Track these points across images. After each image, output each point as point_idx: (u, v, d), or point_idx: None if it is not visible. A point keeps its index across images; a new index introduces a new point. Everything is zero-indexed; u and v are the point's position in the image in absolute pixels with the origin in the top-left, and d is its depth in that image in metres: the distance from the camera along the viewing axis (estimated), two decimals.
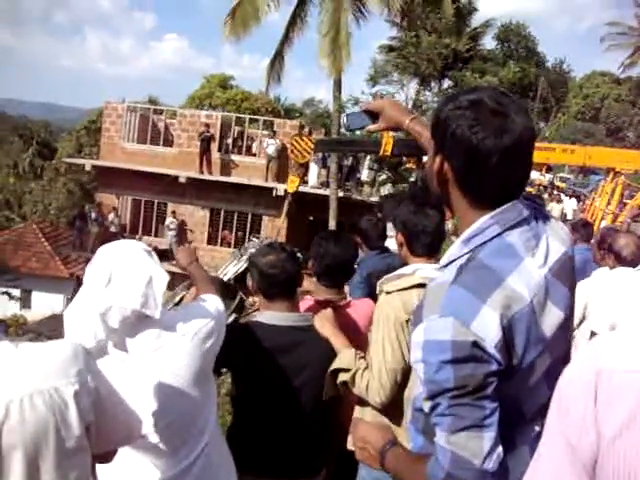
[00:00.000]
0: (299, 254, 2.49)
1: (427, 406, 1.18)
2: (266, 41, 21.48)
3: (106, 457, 1.31)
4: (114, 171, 20.67)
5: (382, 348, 2.10)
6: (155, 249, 2.33)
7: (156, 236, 21.63)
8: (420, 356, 1.15)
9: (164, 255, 2.55)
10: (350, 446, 2.23)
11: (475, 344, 1.10)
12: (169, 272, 1.80)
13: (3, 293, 19.05)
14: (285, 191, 16.66)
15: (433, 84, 25.72)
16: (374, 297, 3.42)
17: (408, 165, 18.27)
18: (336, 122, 18.66)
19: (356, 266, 4.15)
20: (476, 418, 1.11)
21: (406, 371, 2.10)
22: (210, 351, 1.82)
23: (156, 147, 21.51)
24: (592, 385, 0.83)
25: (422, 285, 2.13)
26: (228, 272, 3.79)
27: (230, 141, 21.38)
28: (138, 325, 1.68)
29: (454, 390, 1.11)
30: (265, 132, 21.02)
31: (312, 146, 9.08)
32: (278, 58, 19.91)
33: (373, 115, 1.77)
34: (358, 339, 2.40)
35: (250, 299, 3.40)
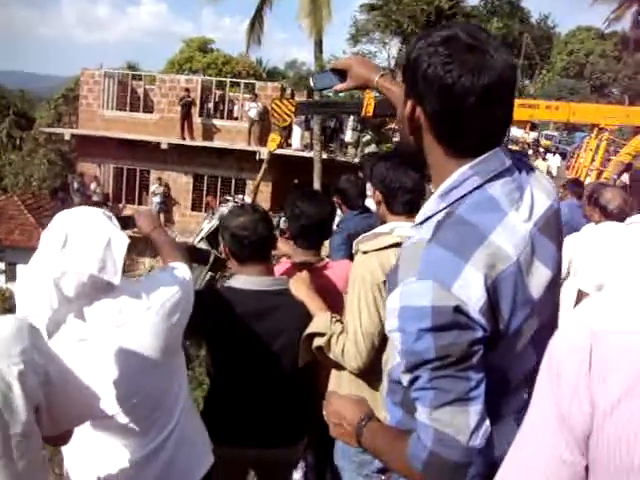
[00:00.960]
0: (282, 219, 2.41)
1: (406, 379, 1.08)
2: (246, 3, 20.99)
3: (62, 438, 1.21)
4: (94, 139, 20.31)
5: (358, 311, 2.01)
6: (116, 216, 2.20)
7: (140, 204, 21.40)
8: (397, 324, 1.04)
9: (126, 222, 2.48)
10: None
11: (457, 309, 0.99)
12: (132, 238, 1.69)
13: None
14: (266, 155, 16.54)
15: None
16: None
17: (391, 125, 18.10)
18: None
19: (336, 227, 4.09)
20: (461, 391, 1.01)
21: (383, 334, 2.02)
22: (177, 325, 1.70)
23: (136, 114, 21.11)
24: (586, 349, 0.75)
25: (400, 244, 2.04)
26: (202, 231, 3.75)
27: (211, 105, 21.07)
28: (96, 293, 1.55)
29: (435, 361, 1.01)
30: (247, 95, 20.69)
31: (293, 109, 8.95)
32: (258, 19, 19.58)
33: (341, 74, 1.66)
34: (336, 301, 2.32)
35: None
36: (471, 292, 1.00)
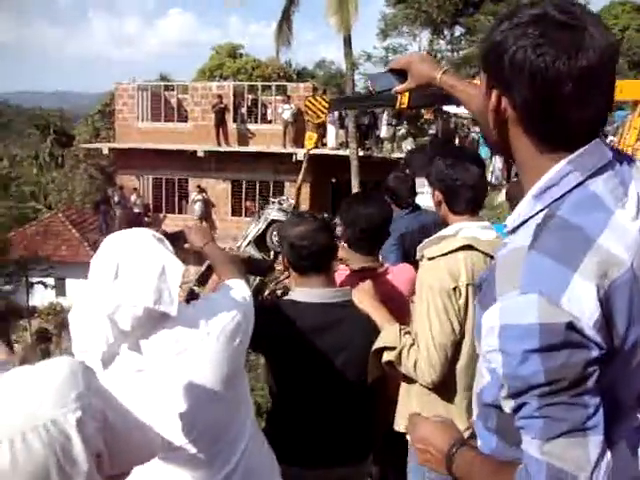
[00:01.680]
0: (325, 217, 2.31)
1: (509, 406, 0.95)
2: (272, 6, 21.01)
3: (119, 478, 1.13)
4: (131, 152, 20.60)
5: (428, 322, 1.89)
6: (165, 234, 2.13)
7: (180, 213, 21.61)
8: (497, 344, 0.92)
9: (176, 237, 2.45)
10: (398, 428, 2.06)
11: (570, 325, 0.87)
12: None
13: (38, 282, 19.33)
14: (305, 154, 16.49)
15: (446, 32, 24.97)
16: (408, 259, 3.26)
17: (426, 117, 17.84)
18: (349, 81, 18.30)
19: None
20: (577, 420, 0.88)
21: (456, 344, 1.91)
22: (239, 349, 1.59)
23: (171, 123, 21.31)
24: None
25: (468, 247, 1.92)
26: (249, 235, 3.73)
27: (244, 110, 21.09)
28: (153, 325, 1.45)
29: (545, 386, 0.88)
30: (279, 98, 20.70)
31: (326, 105, 8.87)
32: (285, 20, 19.53)
33: (400, 73, 1.56)
34: (401, 309, 2.21)
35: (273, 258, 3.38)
36: (583, 305, 0.88)
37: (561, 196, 0.97)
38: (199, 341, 1.49)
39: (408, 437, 1.28)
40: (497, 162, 16.48)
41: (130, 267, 1.41)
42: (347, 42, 17.89)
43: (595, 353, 0.89)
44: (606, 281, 0.90)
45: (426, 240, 2.08)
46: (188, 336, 1.48)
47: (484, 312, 0.96)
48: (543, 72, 0.93)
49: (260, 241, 3.51)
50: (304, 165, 12.31)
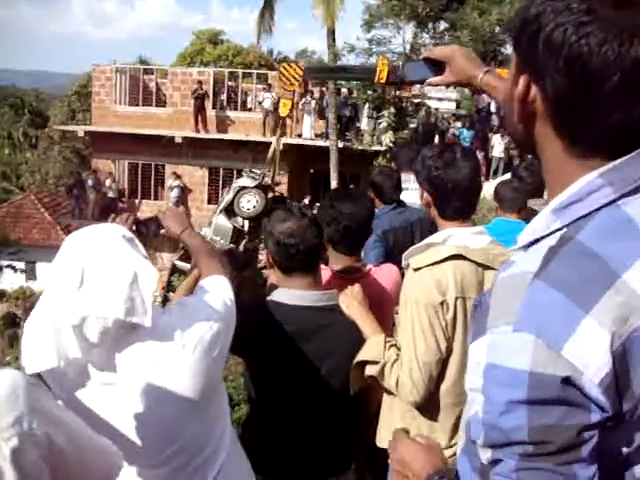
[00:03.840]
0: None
1: (484, 456, 0.79)
2: None
3: None
4: (108, 136, 20.23)
5: (412, 338, 1.74)
6: (137, 222, 1.96)
7: (155, 199, 21.33)
8: (480, 385, 0.76)
9: (150, 224, 2.33)
10: (380, 443, 1.93)
11: (567, 381, 0.70)
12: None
13: (7, 266, 18.92)
14: (284, 145, 16.32)
15: (430, 26, 24.89)
16: (390, 257, 3.15)
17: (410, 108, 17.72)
18: None
19: None
20: None
21: (443, 361, 1.77)
22: (218, 359, 1.45)
23: (149, 108, 20.99)
24: None
25: (458, 256, 1.76)
26: (220, 205, 3.69)
27: (224, 97, 20.89)
28: (124, 336, 1.30)
29: (528, 445, 0.72)
30: (260, 86, 20.49)
31: (300, 73, 8.68)
32: (267, 8, 19.33)
33: (437, 65, 1.43)
34: (385, 313, 2.07)
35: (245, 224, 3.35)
36: (590, 356, 0.70)
37: (585, 215, 0.78)
38: (174, 353, 1.35)
39: (389, 453, 1.16)
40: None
41: (97, 273, 1.26)
42: (331, 33, 17.76)
43: (596, 417, 0.71)
44: (625, 329, 0.71)
45: (412, 247, 1.92)
46: (162, 348, 1.34)
47: (473, 341, 0.80)
48: (584, 59, 0.74)
49: (231, 210, 3.50)
50: (277, 137, 11.99)
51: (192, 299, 1.53)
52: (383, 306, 2.13)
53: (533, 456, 0.72)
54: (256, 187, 3.48)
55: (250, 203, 3.52)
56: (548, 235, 0.81)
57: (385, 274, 2.38)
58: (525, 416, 0.72)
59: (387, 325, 1.92)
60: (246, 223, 3.56)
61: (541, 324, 0.72)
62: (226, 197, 3.73)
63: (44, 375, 1.31)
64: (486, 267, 1.80)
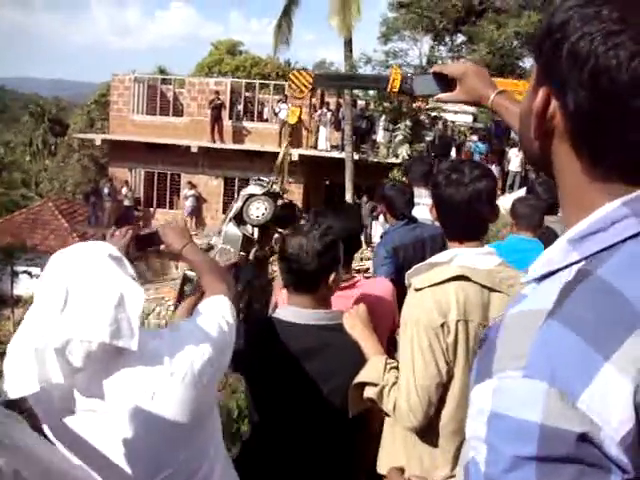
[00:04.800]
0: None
1: None
2: (274, 4, 20.88)
3: None
4: (125, 144, 20.41)
5: (411, 361, 1.68)
6: (137, 237, 1.89)
7: (171, 208, 21.43)
8: (483, 434, 0.67)
9: (150, 240, 2.31)
10: (380, 470, 1.89)
11: (584, 437, 0.61)
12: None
13: (23, 272, 19.07)
14: (299, 156, 16.34)
15: (447, 39, 24.90)
16: (401, 274, 3.10)
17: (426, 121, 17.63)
18: None
19: (380, 239, 3.81)
20: None
21: (443, 385, 1.70)
22: (209, 385, 1.40)
23: (166, 117, 21.14)
24: None
25: (462, 277, 1.70)
26: (229, 214, 3.67)
27: (241, 108, 20.99)
28: (109, 360, 1.25)
29: None
30: (276, 97, 20.56)
31: (310, 80, 8.72)
32: (285, 19, 19.43)
33: (445, 80, 1.39)
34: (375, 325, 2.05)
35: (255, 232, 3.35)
36: (610, 409, 0.62)
37: (607, 248, 0.70)
38: (162, 381, 1.30)
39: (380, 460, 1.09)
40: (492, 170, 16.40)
41: (82, 295, 1.22)
42: (348, 44, 17.79)
43: (616, 479, 0.61)
44: None
45: (416, 266, 1.87)
46: (150, 375, 1.29)
47: (477, 384, 0.71)
48: (613, 73, 0.66)
49: (240, 218, 3.52)
50: (286, 138, 11.96)
51: (185, 324, 1.49)
52: (372, 317, 2.08)
53: None
54: (265, 194, 3.46)
55: (259, 210, 3.49)
56: (563, 268, 0.72)
57: (373, 286, 2.33)
58: (534, 474, 0.62)
59: (381, 339, 1.87)
60: (256, 231, 3.56)
61: (555, 370, 0.63)
62: (235, 205, 3.74)
63: (30, 399, 1.27)
64: (492, 290, 1.74)
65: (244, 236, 3.22)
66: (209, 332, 1.41)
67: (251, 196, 3.51)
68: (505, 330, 0.70)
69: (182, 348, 1.34)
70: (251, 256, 3.30)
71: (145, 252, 1.98)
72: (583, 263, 0.70)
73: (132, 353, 1.24)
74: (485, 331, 0.79)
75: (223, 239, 3.28)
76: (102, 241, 1.51)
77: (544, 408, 0.62)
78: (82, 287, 1.22)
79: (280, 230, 3.42)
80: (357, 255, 9.91)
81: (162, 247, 1.86)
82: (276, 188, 3.72)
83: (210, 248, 3.19)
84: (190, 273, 2.68)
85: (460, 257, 1.76)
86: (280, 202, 3.69)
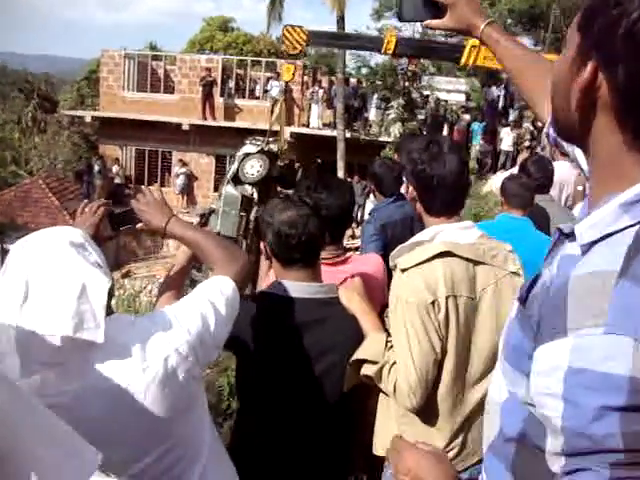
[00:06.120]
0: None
1: (559, 464, 0.74)
2: None
3: None
4: (115, 121, 20.22)
5: (406, 341, 1.67)
6: (110, 215, 1.80)
7: (162, 185, 21.31)
8: (559, 390, 0.71)
9: (125, 218, 2.24)
10: (377, 451, 1.85)
11: None
12: None
13: None
14: (291, 134, 16.22)
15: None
16: (388, 250, 3.10)
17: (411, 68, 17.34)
18: (340, 61, 18.10)
19: (369, 215, 3.81)
20: None
21: (438, 363, 1.71)
22: (186, 380, 1.30)
23: (157, 94, 20.95)
24: None
25: (447, 254, 1.70)
26: (227, 176, 3.65)
27: (233, 85, 20.81)
28: (75, 354, 1.18)
29: (622, 453, 0.67)
30: (268, 74, 20.39)
31: (305, 37, 8.50)
32: None
33: (435, 6, 1.34)
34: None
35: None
36: None
37: None
38: (133, 378, 1.23)
39: (388, 463, 1.09)
40: (483, 148, 16.37)
41: (42, 287, 1.16)
42: (340, 21, 17.63)
43: None
44: None
45: (399, 246, 1.86)
46: (120, 368, 1.22)
47: (540, 344, 0.75)
48: None
49: (237, 179, 3.48)
50: (280, 104, 11.73)
51: (166, 312, 1.37)
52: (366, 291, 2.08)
53: (626, 465, 0.68)
54: (259, 152, 3.42)
55: (254, 168, 3.44)
56: (619, 231, 0.75)
57: (365, 262, 2.31)
58: (619, 423, 0.67)
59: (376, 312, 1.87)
60: (255, 191, 3.53)
61: (638, 326, 0.67)
62: (232, 167, 3.71)
63: None
64: (477, 262, 1.75)
65: (243, 196, 3.19)
66: (191, 322, 1.33)
67: (246, 155, 3.47)
68: (572, 291, 0.73)
69: (157, 341, 1.26)
70: (252, 216, 3.26)
71: (120, 232, 1.87)
72: (638, 227, 0.73)
73: (101, 347, 1.19)
74: (520, 292, 0.83)
75: (223, 202, 3.24)
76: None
77: (632, 359, 0.65)
78: (42, 279, 1.17)
79: (281, 190, 3.40)
80: (348, 232, 9.89)
81: (140, 225, 1.72)
82: (273, 148, 3.66)
83: (212, 212, 3.15)
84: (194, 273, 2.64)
85: (442, 233, 1.77)
86: (281, 163, 3.64)
